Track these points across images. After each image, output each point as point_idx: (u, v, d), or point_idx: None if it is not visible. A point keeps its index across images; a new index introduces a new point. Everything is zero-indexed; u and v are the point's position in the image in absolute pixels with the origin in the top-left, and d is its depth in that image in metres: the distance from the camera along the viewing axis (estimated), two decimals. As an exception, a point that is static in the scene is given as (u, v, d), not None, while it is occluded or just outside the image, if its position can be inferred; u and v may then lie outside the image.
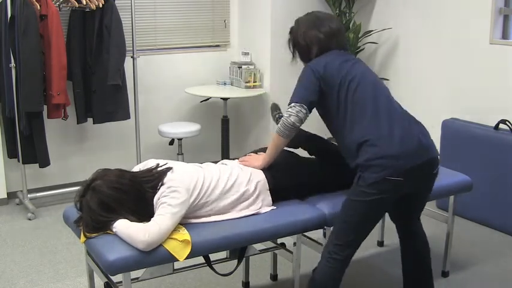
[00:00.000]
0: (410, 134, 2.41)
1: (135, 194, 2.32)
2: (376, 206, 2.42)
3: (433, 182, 2.57)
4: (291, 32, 2.70)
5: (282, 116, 2.81)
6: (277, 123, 2.71)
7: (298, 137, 2.70)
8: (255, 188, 2.57)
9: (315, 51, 2.60)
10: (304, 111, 2.45)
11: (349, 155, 2.45)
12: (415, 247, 2.75)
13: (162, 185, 2.33)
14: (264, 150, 2.73)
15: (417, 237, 2.75)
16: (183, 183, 2.34)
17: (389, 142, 2.35)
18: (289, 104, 2.48)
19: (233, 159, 2.77)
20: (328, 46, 2.59)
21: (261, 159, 2.66)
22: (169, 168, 2.41)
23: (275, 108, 3.05)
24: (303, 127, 2.58)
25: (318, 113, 2.62)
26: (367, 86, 2.47)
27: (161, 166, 2.43)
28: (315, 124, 2.89)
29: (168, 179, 2.35)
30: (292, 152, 2.83)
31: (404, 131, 2.40)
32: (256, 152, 2.83)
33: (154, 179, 2.36)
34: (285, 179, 2.68)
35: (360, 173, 2.38)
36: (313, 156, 2.93)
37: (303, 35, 2.62)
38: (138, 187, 2.33)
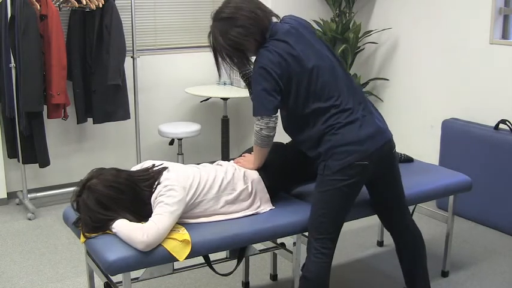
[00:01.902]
0: (370, 119, 2.45)
1: (131, 193, 2.32)
2: (347, 191, 2.42)
3: (395, 163, 2.59)
4: (212, 47, 2.53)
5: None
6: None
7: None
8: (252, 187, 2.57)
9: (253, 46, 2.43)
10: (273, 119, 2.42)
11: (309, 145, 2.45)
12: (409, 244, 2.75)
13: (158, 184, 2.34)
14: None
15: (409, 233, 2.74)
16: (179, 181, 2.35)
17: (351, 129, 2.37)
18: (255, 115, 2.40)
19: (230, 160, 2.77)
20: (261, 29, 2.41)
21: (253, 161, 2.64)
22: (165, 168, 2.41)
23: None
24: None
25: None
26: (325, 73, 2.40)
27: (157, 166, 2.44)
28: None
29: (164, 178, 2.35)
30: (284, 144, 2.77)
31: (364, 117, 2.43)
32: (250, 151, 2.82)
33: (150, 177, 2.37)
34: (279, 175, 2.65)
35: (324, 162, 2.38)
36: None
37: (224, 41, 2.43)
38: (134, 186, 2.33)
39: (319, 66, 2.40)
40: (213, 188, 2.47)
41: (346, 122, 2.38)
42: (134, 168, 2.51)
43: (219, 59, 2.52)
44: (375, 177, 2.53)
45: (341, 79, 2.45)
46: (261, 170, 2.63)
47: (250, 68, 2.54)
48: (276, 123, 2.46)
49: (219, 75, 2.61)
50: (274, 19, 2.55)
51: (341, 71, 2.49)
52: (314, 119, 2.41)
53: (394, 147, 2.56)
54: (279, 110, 2.46)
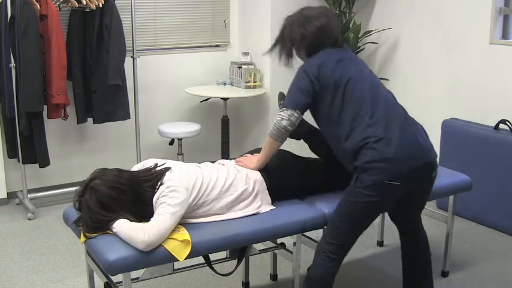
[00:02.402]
0: (408, 136, 2.40)
1: (133, 194, 2.32)
2: (372, 208, 2.42)
3: (431, 185, 2.56)
4: (280, 35, 2.65)
5: None
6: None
7: (302, 128, 2.71)
8: (253, 188, 2.57)
9: (304, 51, 2.57)
10: (296, 115, 2.46)
11: (346, 158, 2.43)
12: (415, 246, 2.75)
13: (161, 184, 2.33)
14: (259, 150, 2.74)
15: (417, 236, 2.75)
16: (182, 182, 2.34)
17: (387, 145, 2.33)
18: (281, 107, 2.49)
19: (231, 159, 2.77)
20: (318, 44, 2.54)
21: (255, 161, 2.65)
22: (168, 168, 2.41)
23: (281, 97, 2.96)
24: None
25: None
26: (365, 87, 2.45)
27: (160, 166, 2.43)
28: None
29: (167, 178, 2.35)
30: (288, 151, 2.82)
31: (402, 134, 2.38)
32: (252, 152, 2.83)
33: (153, 178, 2.36)
34: (281, 178, 2.68)
35: (357, 175, 2.37)
36: (311, 156, 2.93)
37: (289, 35, 2.58)
38: (137, 186, 2.33)
39: (357, 78, 2.45)
40: (216, 188, 2.47)
41: (382, 137, 2.34)
42: (136, 167, 2.51)
43: (278, 44, 2.64)
44: (407, 195, 2.49)
45: (380, 95, 2.46)
46: (263, 171, 2.63)
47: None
48: (298, 120, 2.48)
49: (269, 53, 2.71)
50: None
51: (382, 88, 2.51)
52: (349, 132, 2.40)
53: (435, 170, 2.48)
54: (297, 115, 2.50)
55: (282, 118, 2.46)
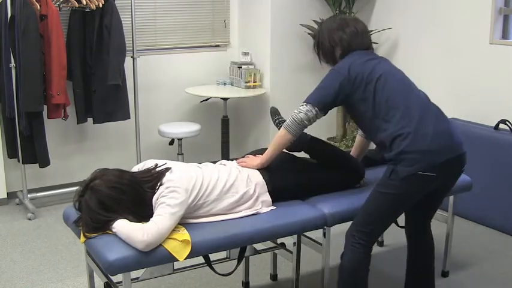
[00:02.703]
0: (442, 129, 2.44)
1: (133, 194, 2.32)
2: (404, 200, 2.47)
3: (456, 181, 2.60)
4: (315, 35, 2.72)
5: (282, 121, 2.86)
6: (278, 128, 2.77)
7: (301, 139, 2.74)
8: (254, 191, 2.57)
9: (338, 52, 2.61)
10: (314, 112, 2.50)
11: (383, 148, 2.48)
12: (423, 247, 2.77)
13: (160, 185, 2.33)
14: (261, 151, 2.74)
15: (426, 237, 2.77)
16: (181, 183, 2.34)
17: (422, 136, 2.37)
18: (302, 102, 2.52)
19: (232, 159, 2.77)
20: (352, 46, 2.60)
21: (258, 158, 2.67)
22: (168, 169, 2.40)
23: (275, 113, 3.05)
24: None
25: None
26: (395, 82, 2.50)
27: (160, 166, 2.43)
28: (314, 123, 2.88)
29: (166, 179, 2.35)
30: (290, 154, 2.83)
31: (436, 127, 2.43)
32: (254, 153, 2.83)
33: (153, 179, 2.36)
34: (283, 180, 2.68)
35: (393, 167, 2.40)
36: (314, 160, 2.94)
37: (327, 36, 2.63)
38: (137, 187, 2.33)
39: (388, 74, 2.50)
40: (216, 189, 2.47)
41: (416, 130, 2.38)
42: (136, 168, 2.51)
43: (318, 47, 2.70)
44: (435, 190, 2.53)
45: (412, 91, 2.51)
46: (266, 173, 2.64)
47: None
48: (315, 118, 2.52)
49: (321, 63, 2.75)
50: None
51: (413, 84, 2.55)
52: (384, 124, 2.44)
53: (465, 163, 2.51)
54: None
55: (300, 111, 2.50)
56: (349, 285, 2.54)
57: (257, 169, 2.66)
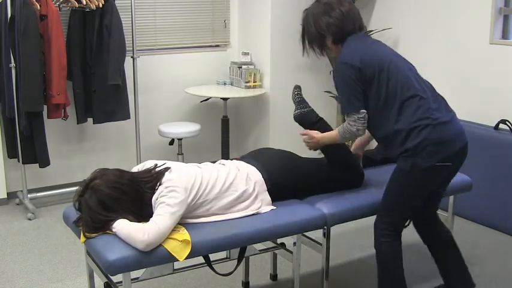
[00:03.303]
0: (451, 117, 2.49)
1: (133, 194, 2.32)
2: (424, 189, 2.54)
3: (460, 167, 2.64)
4: (302, 27, 2.64)
5: (301, 100, 2.87)
6: (294, 101, 2.86)
7: (312, 116, 2.81)
8: (253, 189, 2.57)
9: (329, 40, 2.56)
10: (362, 115, 2.47)
11: (396, 140, 2.45)
12: (442, 235, 2.83)
13: (160, 185, 2.33)
14: (259, 150, 2.76)
15: (440, 226, 2.84)
16: (181, 182, 2.34)
17: (438, 127, 2.40)
18: (348, 114, 2.48)
19: (232, 159, 2.77)
20: (345, 32, 2.54)
21: (318, 142, 2.69)
22: (167, 168, 2.40)
23: (298, 88, 2.97)
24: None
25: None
26: (406, 70, 2.49)
27: (159, 166, 2.43)
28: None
29: (166, 179, 2.35)
30: (291, 153, 2.83)
31: (449, 115, 2.47)
32: (253, 152, 2.84)
33: (153, 179, 2.36)
34: (282, 179, 2.68)
35: (413, 159, 2.41)
36: (311, 157, 2.94)
37: (313, 23, 2.56)
38: (137, 187, 2.33)
39: (396, 61, 2.49)
40: (215, 188, 2.47)
41: (435, 118, 2.41)
42: (135, 168, 2.51)
43: (304, 39, 2.65)
44: (445, 177, 2.61)
45: (421, 79, 2.52)
46: (265, 172, 2.64)
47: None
48: (366, 118, 2.49)
49: (304, 54, 2.70)
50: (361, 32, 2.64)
51: (416, 71, 2.56)
52: (399, 114, 2.43)
53: (467, 152, 2.58)
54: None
55: (350, 125, 2.48)
56: (387, 271, 2.64)
57: (255, 169, 2.64)
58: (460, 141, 2.47)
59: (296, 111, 2.85)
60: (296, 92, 2.91)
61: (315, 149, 2.76)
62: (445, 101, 2.56)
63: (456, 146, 2.45)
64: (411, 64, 2.58)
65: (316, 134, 2.71)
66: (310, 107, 2.85)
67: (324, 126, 2.82)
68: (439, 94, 2.56)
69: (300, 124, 2.86)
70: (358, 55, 2.45)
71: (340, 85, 2.51)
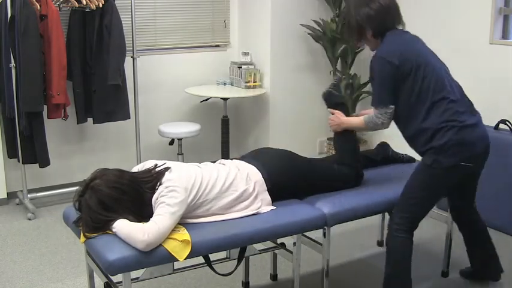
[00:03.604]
0: (478, 119, 2.56)
1: (133, 194, 2.32)
2: (444, 187, 2.63)
3: (484, 164, 2.71)
4: (344, 18, 2.74)
5: (337, 82, 3.03)
6: (331, 84, 3.00)
7: (337, 99, 2.94)
8: (254, 189, 2.57)
9: (370, 31, 2.61)
10: (390, 111, 2.56)
11: (421, 138, 2.54)
12: (478, 223, 2.96)
13: (160, 185, 2.33)
14: (260, 150, 2.76)
15: (469, 210, 2.93)
16: (181, 182, 2.34)
17: (465, 128, 2.49)
18: (377, 107, 2.58)
19: (232, 159, 2.78)
20: (383, 25, 2.60)
21: (341, 123, 2.81)
22: (167, 168, 2.40)
23: (339, 78, 3.12)
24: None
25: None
26: (440, 71, 2.57)
27: (159, 166, 2.43)
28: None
29: (166, 178, 2.35)
30: (291, 152, 2.83)
31: (474, 118, 2.53)
32: (253, 152, 2.84)
33: (153, 179, 2.36)
34: (282, 179, 2.68)
35: (435, 156, 2.49)
36: (313, 158, 2.94)
37: (354, 15, 2.61)
38: (137, 187, 2.33)
39: (433, 61, 2.57)
40: (215, 187, 2.47)
41: (461, 121, 2.50)
42: (135, 169, 2.51)
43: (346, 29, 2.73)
44: (469, 175, 2.70)
45: (452, 80, 2.62)
46: (265, 171, 2.64)
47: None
48: (392, 115, 2.58)
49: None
50: (400, 27, 2.71)
51: (448, 71, 2.63)
52: (428, 113, 2.51)
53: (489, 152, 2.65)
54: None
55: (378, 118, 2.58)
56: (396, 267, 2.68)
57: (254, 169, 2.65)
58: (483, 144, 2.56)
59: (327, 89, 2.96)
60: (336, 78, 3.08)
61: (335, 130, 2.86)
62: (472, 103, 2.63)
63: (479, 148, 2.54)
64: (445, 65, 2.65)
65: (341, 115, 2.83)
66: (341, 93, 2.97)
67: (344, 112, 2.91)
68: (466, 97, 2.62)
69: (325, 100, 2.97)
70: (397, 51, 2.52)
71: (375, 78, 2.57)
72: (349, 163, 2.88)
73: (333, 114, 2.89)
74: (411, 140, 2.63)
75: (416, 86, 2.51)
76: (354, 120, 2.78)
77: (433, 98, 2.50)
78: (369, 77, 2.66)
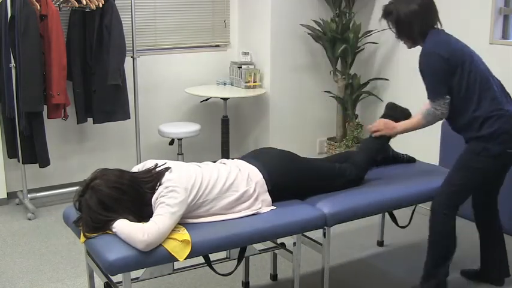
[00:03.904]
0: None
1: (134, 194, 2.32)
2: (490, 175, 2.77)
3: None
4: (388, 13, 2.74)
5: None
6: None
7: (398, 116, 3.02)
8: (254, 190, 2.57)
9: (417, 28, 2.70)
10: (447, 101, 2.67)
11: (472, 127, 2.69)
12: (497, 228, 3.06)
13: (160, 185, 2.33)
14: (260, 150, 2.76)
15: (491, 208, 3.04)
16: (180, 182, 2.34)
17: (510, 118, 2.64)
18: (434, 100, 2.68)
19: (233, 159, 2.78)
20: (428, 21, 2.71)
21: (394, 127, 2.91)
22: (167, 168, 2.40)
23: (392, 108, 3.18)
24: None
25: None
26: (482, 66, 2.71)
27: (160, 166, 2.43)
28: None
29: (166, 179, 2.35)
30: (291, 153, 2.83)
31: None
32: (254, 153, 2.84)
33: (153, 179, 2.36)
34: (283, 180, 2.68)
35: (484, 144, 2.65)
36: (312, 157, 2.94)
37: (403, 11, 2.68)
38: (137, 187, 2.33)
39: (474, 55, 2.71)
40: (215, 188, 2.47)
41: (507, 110, 2.66)
42: (136, 168, 2.51)
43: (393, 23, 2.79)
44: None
45: (492, 75, 2.76)
46: (266, 172, 2.64)
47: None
48: (448, 106, 2.70)
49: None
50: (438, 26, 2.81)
51: (489, 70, 2.77)
52: (478, 104, 2.66)
53: None
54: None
55: (436, 109, 2.69)
56: (441, 250, 2.83)
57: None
58: None
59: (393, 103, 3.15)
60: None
61: (387, 136, 2.96)
62: (509, 94, 2.77)
63: None
64: (482, 60, 2.78)
65: (392, 122, 2.94)
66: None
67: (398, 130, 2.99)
68: (505, 89, 2.76)
69: (389, 109, 3.11)
70: (445, 45, 2.65)
71: (428, 73, 2.68)
72: (359, 163, 2.92)
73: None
74: (462, 129, 2.77)
75: (463, 80, 2.64)
76: (411, 122, 2.88)
77: (480, 90, 2.65)
78: (420, 73, 2.73)
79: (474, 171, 2.72)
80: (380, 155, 3.14)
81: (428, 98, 2.71)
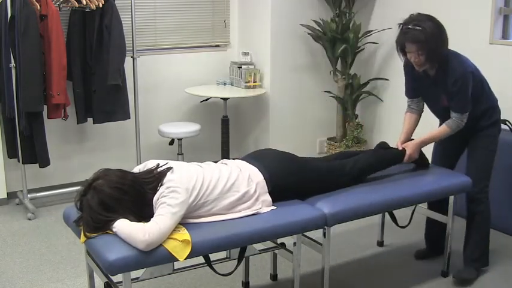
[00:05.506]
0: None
1: (135, 195, 2.32)
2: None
3: None
4: (424, 41, 2.96)
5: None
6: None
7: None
8: (255, 190, 2.57)
9: (444, 51, 3.03)
10: (469, 112, 3.03)
11: (486, 115, 3.13)
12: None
13: (161, 185, 2.33)
14: (263, 151, 2.76)
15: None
16: (182, 183, 2.34)
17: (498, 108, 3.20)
18: (463, 113, 3.01)
19: (234, 159, 2.78)
20: (447, 41, 3.06)
21: (416, 148, 3.16)
22: (169, 169, 2.40)
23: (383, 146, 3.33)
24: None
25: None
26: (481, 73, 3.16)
27: (161, 166, 2.43)
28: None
29: (167, 179, 2.35)
30: (291, 154, 2.83)
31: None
32: (254, 153, 2.84)
33: (155, 180, 2.36)
34: (284, 180, 2.68)
35: (499, 126, 3.17)
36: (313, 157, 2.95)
37: (443, 38, 3.05)
38: (139, 188, 2.33)
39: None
40: (217, 188, 2.47)
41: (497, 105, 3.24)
42: (137, 169, 2.51)
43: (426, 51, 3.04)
44: None
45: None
46: (267, 173, 2.64)
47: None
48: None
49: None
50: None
51: None
52: (486, 103, 3.12)
53: None
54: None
55: (462, 120, 3.03)
56: (487, 230, 3.21)
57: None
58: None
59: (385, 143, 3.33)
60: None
61: (415, 154, 3.17)
62: None
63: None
64: None
65: (410, 142, 3.18)
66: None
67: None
68: None
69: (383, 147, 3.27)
70: (469, 63, 3.05)
71: (463, 91, 2.96)
72: (362, 165, 2.96)
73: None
74: (478, 118, 3.09)
75: (477, 89, 3.03)
76: (438, 132, 3.13)
77: (486, 90, 3.12)
78: (453, 93, 2.98)
79: (493, 153, 3.17)
80: (388, 167, 3.15)
81: (457, 112, 3.00)
